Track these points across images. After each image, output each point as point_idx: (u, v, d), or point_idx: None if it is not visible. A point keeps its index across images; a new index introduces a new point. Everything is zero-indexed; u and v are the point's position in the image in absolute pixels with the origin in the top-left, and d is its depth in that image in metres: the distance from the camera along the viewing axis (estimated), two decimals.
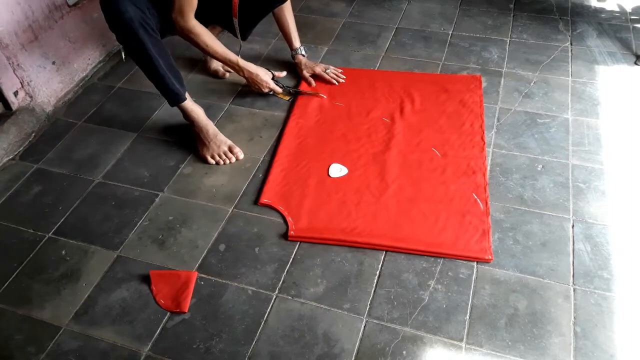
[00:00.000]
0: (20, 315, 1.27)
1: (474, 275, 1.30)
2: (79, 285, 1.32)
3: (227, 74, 1.99)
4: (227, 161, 1.63)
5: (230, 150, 1.64)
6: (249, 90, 1.91)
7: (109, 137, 1.76)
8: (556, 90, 1.86)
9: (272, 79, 1.80)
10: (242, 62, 1.71)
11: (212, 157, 1.63)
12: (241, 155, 1.64)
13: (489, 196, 1.47)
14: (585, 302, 1.23)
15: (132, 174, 1.61)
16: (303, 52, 1.94)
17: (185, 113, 1.64)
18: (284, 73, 1.87)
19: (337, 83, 1.91)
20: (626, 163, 1.58)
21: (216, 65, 1.98)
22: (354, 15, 2.33)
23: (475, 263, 1.32)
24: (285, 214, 1.45)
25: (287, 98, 1.85)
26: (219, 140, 1.64)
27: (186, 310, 1.25)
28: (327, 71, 1.93)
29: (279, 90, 1.82)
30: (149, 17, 1.46)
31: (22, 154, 1.72)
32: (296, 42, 1.93)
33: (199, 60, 2.08)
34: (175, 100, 1.61)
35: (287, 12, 1.86)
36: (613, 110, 1.76)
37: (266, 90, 1.79)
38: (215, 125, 1.69)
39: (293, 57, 1.95)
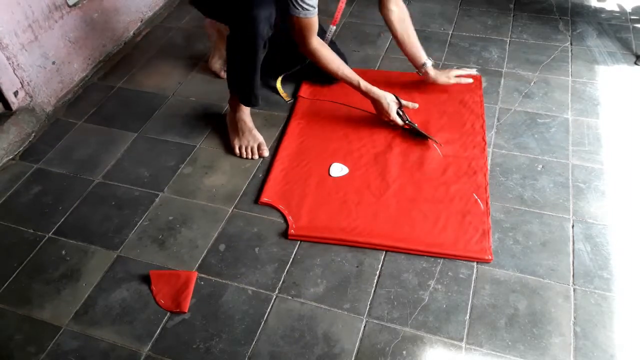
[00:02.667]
0: (20, 315, 1.27)
1: (474, 275, 1.30)
2: (79, 285, 1.32)
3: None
4: (251, 156, 1.64)
5: (259, 147, 1.65)
6: None
7: (109, 137, 1.76)
8: (556, 90, 1.86)
9: (399, 108, 1.62)
10: (364, 85, 1.60)
11: (240, 149, 1.65)
12: (266, 153, 1.65)
13: (489, 196, 1.47)
14: (585, 302, 1.23)
15: (132, 174, 1.61)
16: (430, 65, 1.76)
17: (238, 105, 1.67)
18: (416, 105, 1.65)
19: (471, 81, 1.80)
20: (626, 163, 1.58)
21: (218, 65, 1.97)
22: (354, 15, 2.33)
23: (475, 263, 1.32)
24: (285, 213, 1.45)
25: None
26: (252, 135, 1.66)
27: (186, 310, 1.25)
28: (457, 74, 1.79)
29: (400, 123, 1.63)
30: (273, 19, 1.49)
31: (22, 154, 1.72)
32: (422, 59, 1.75)
33: (200, 59, 2.08)
34: (254, 103, 1.66)
35: (403, 24, 1.71)
36: (613, 110, 1.76)
37: (386, 119, 1.64)
38: (215, 125, 1.69)
39: (423, 73, 1.77)
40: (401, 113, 1.63)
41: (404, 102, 1.64)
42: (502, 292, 1.26)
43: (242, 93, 1.64)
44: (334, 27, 1.65)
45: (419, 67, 1.76)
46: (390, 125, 1.67)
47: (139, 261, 1.37)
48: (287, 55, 1.82)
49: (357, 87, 1.61)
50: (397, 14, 1.70)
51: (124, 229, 1.45)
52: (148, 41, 2.23)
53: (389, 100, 1.61)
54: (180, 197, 1.54)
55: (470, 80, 1.80)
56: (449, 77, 1.78)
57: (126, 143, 1.73)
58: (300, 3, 1.43)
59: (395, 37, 1.75)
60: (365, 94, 1.62)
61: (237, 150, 1.65)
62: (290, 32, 1.52)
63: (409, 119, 1.63)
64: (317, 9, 1.47)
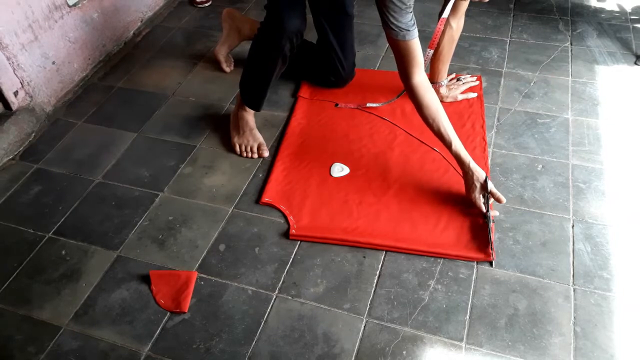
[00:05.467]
0: (20, 316, 1.27)
1: (474, 275, 1.30)
2: (79, 285, 1.32)
3: (230, 69, 2.00)
4: (251, 156, 1.65)
5: (259, 147, 1.65)
6: None
7: (109, 137, 1.76)
8: (556, 90, 1.86)
9: (486, 192, 1.39)
10: (456, 149, 1.38)
11: (240, 147, 1.66)
12: (266, 154, 1.64)
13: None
14: (586, 302, 1.23)
15: (132, 174, 1.61)
16: (443, 84, 1.75)
17: (243, 104, 1.68)
18: (504, 199, 1.40)
19: (475, 95, 1.80)
20: (626, 163, 1.57)
21: (223, 53, 1.98)
22: (354, 15, 2.33)
23: (475, 263, 1.32)
24: (286, 213, 1.45)
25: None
26: (253, 134, 1.67)
27: (186, 310, 1.24)
28: (460, 90, 1.80)
29: (482, 209, 1.39)
30: (301, 36, 1.50)
31: (22, 154, 1.72)
32: (442, 76, 1.74)
33: (200, 59, 2.08)
34: (259, 109, 1.69)
35: (450, 42, 1.64)
36: (613, 110, 1.76)
37: (472, 197, 1.41)
38: (215, 125, 1.69)
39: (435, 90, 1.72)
40: (485, 197, 1.40)
41: (493, 188, 1.39)
42: (502, 292, 1.26)
43: (250, 96, 1.66)
44: (431, 51, 1.53)
45: (434, 82, 1.73)
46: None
47: (139, 261, 1.37)
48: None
49: (449, 148, 1.40)
50: (453, 31, 1.61)
51: (124, 229, 1.45)
52: (148, 41, 2.23)
53: (474, 179, 1.39)
54: (180, 197, 1.54)
55: (475, 95, 1.81)
56: (455, 96, 1.79)
57: (126, 143, 1.73)
58: (394, 22, 1.26)
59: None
60: (456, 158, 1.40)
61: (237, 149, 1.66)
62: (402, 77, 1.38)
63: (490, 210, 1.39)
64: (416, 29, 1.30)
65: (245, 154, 1.65)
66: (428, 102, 1.37)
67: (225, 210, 1.49)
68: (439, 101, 1.39)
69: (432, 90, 1.39)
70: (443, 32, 1.60)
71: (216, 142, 1.71)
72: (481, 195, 1.40)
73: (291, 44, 1.52)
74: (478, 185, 1.39)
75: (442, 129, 1.38)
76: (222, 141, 1.71)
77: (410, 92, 1.38)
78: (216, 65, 2.02)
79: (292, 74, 1.88)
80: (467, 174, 1.40)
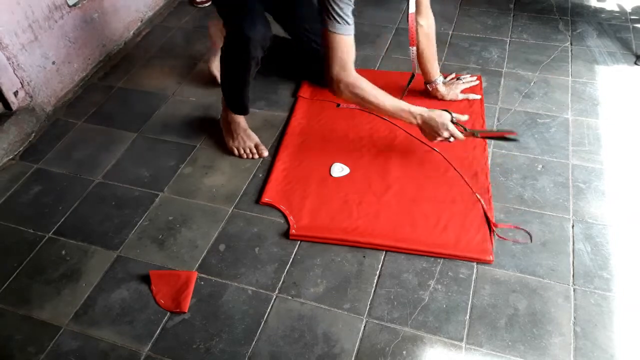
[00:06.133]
0: (20, 316, 1.27)
1: (474, 275, 1.30)
2: (79, 285, 1.32)
3: None
4: (251, 156, 1.64)
5: (256, 147, 1.65)
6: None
7: (109, 137, 1.76)
8: (556, 90, 1.86)
9: (451, 121, 1.45)
10: (414, 109, 1.43)
11: (238, 150, 1.65)
12: (265, 153, 1.64)
13: (491, 196, 1.47)
14: (585, 302, 1.23)
15: (132, 174, 1.61)
16: (439, 82, 1.74)
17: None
18: (466, 117, 1.50)
19: (478, 97, 1.78)
20: (626, 163, 1.57)
21: (216, 67, 1.96)
22: (354, 15, 2.33)
23: (475, 263, 1.32)
24: (286, 213, 1.45)
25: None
26: (247, 134, 1.66)
27: (186, 310, 1.24)
28: (461, 89, 1.79)
29: (461, 136, 1.45)
30: (268, 41, 1.45)
31: (22, 154, 1.72)
32: (432, 75, 1.73)
33: (200, 59, 2.08)
34: (243, 113, 1.65)
35: (426, 39, 1.63)
36: (613, 110, 1.76)
37: (446, 134, 1.44)
38: (215, 125, 1.69)
39: (432, 90, 1.76)
40: (456, 123, 1.46)
41: (455, 114, 1.46)
42: (502, 292, 1.26)
43: (232, 102, 1.64)
44: (414, 48, 1.54)
45: (429, 82, 1.75)
46: (449, 141, 1.47)
47: (139, 261, 1.37)
48: None
49: (410, 112, 1.42)
50: (425, 29, 1.62)
51: (124, 229, 1.45)
52: (148, 41, 2.23)
53: (439, 114, 1.43)
54: (180, 197, 1.54)
55: (478, 97, 1.80)
56: (456, 94, 1.78)
57: (126, 143, 1.73)
58: (339, 12, 1.25)
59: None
60: (417, 116, 1.43)
61: (236, 152, 1.65)
62: (326, 75, 1.35)
63: (465, 127, 1.47)
64: (353, 27, 1.30)
65: (245, 156, 1.64)
66: (373, 89, 1.38)
67: (225, 210, 1.49)
68: (374, 86, 1.39)
69: (366, 80, 1.39)
70: (416, 32, 1.60)
71: (216, 142, 1.71)
72: (451, 128, 1.43)
73: (262, 49, 1.46)
74: (444, 118, 1.42)
75: (394, 102, 1.41)
76: (222, 141, 1.71)
77: (354, 85, 1.36)
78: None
79: (290, 74, 1.88)
80: (430, 117, 1.43)
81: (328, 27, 1.28)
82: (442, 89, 1.76)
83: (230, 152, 1.66)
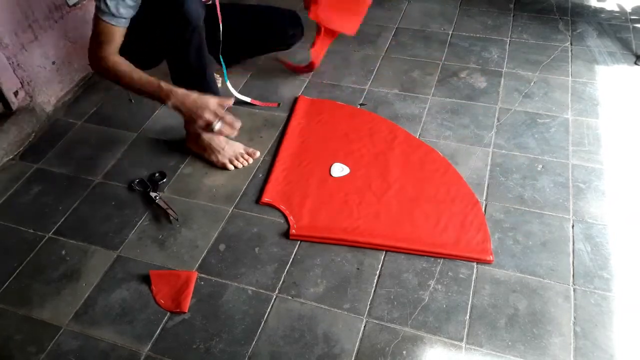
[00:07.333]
0: (20, 316, 1.27)
1: (474, 275, 1.30)
2: (79, 285, 1.32)
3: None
4: (246, 163, 1.61)
5: (246, 151, 1.63)
6: (249, 91, 1.91)
7: (109, 137, 1.76)
8: (556, 90, 1.86)
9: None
10: (168, 85, 1.33)
11: (231, 162, 1.60)
12: (257, 153, 1.63)
13: (489, 196, 1.47)
14: (585, 302, 1.23)
15: (132, 174, 1.61)
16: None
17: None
18: (231, 101, 1.39)
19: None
20: (626, 163, 1.58)
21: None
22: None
23: (475, 263, 1.32)
24: (286, 213, 1.45)
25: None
26: (231, 145, 1.61)
27: (186, 310, 1.24)
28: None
29: (225, 129, 1.33)
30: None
31: (22, 154, 1.72)
32: None
33: None
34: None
35: None
36: (613, 110, 1.76)
37: (208, 115, 1.31)
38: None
39: None
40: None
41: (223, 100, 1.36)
42: (502, 292, 1.26)
43: (201, 91, 1.41)
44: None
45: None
46: (213, 129, 1.34)
47: (139, 261, 1.37)
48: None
49: (160, 87, 1.32)
50: None
51: (124, 229, 1.45)
52: None
53: (199, 95, 1.33)
54: (180, 197, 1.54)
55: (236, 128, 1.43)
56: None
57: (126, 143, 1.73)
58: (107, 2, 1.27)
59: None
60: (169, 94, 1.32)
61: (230, 166, 1.60)
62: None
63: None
64: (127, 22, 1.32)
65: (240, 166, 1.60)
66: (130, 69, 1.34)
67: (225, 210, 1.49)
68: (131, 66, 1.35)
69: (125, 62, 1.35)
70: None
71: None
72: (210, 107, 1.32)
73: (200, 31, 1.40)
74: (208, 99, 1.33)
75: (143, 76, 1.34)
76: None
77: (109, 69, 1.34)
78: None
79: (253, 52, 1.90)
80: (186, 95, 1.32)
81: (97, 12, 1.30)
82: None
83: (223, 167, 1.60)
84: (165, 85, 1.33)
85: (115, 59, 1.35)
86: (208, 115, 1.32)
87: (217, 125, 1.33)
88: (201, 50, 1.48)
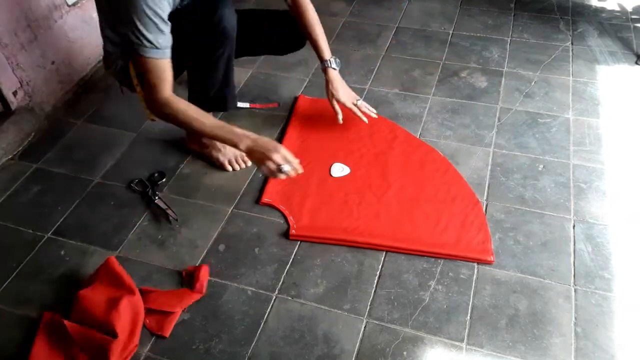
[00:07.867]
0: (19, 316, 1.26)
1: (474, 276, 1.29)
2: (79, 286, 1.31)
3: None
4: (244, 165, 1.60)
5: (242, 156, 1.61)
6: (248, 90, 1.90)
7: (109, 137, 1.76)
8: (557, 89, 1.86)
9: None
10: (240, 130, 1.34)
11: (230, 163, 1.60)
12: None
13: (490, 196, 1.47)
14: (586, 303, 1.23)
15: (132, 174, 1.61)
16: (334, 65, 1.60)
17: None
18: (297, 161, 1.38)
19: (366, 121, 1.62)
20: (627, 163, 1.57)
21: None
22: (354, 14, 2.33)
23: (475, 263, 1.32)
24: (286, 213, 1.45)
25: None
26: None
27: (167, 335, 1.19)
28: (358, 103, 1.64)
29: (296, 163, 1.36)
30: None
31: (22, 153, 1.71)
32: (326, 53, 1.60)
33: None
34: (235, 105, 1.59)
35: (313, 18, 1.57)
36: (614, 110, 1.76)
37: (278, 159, 1.32)
38: None
39: (323, 70, 1.61)
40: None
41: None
42: (502, 293, 1.25)
43: (226, 98, 1.52)
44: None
45: (323, 60, 1.61)
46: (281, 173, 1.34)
47: (138, 261, 1.36)
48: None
49: (232, 133, 1.33)
50: (310, 12, 1.56)
51: (123, 229, 1.45)
52: None
53: (269, 140, 1.35)
54: (180, 197, 1.53)
55: (365, 120, 1.62)
56: (352, 97, 1.63)
57: (126, 143, 1.73)
58: (144, 34, 1.20)
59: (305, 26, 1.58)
60: (242, 139, 1.33)
61: (229, 167, 1.60)
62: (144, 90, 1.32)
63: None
64: (169, 51, 1.26)
65: (238, 167, 1.60)
66: (183, 113, 1.32)
67: (225, 210, 1.49)
68: (191, 106, 1.33)
69: (182, 101, 1.34)
70: (308, 15, 1.55)
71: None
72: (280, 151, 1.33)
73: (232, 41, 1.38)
74: (278, 146, 1.34)
75: (214, 121, 1.34)
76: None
77: (163, 106, 1.32)
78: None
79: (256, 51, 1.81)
80: (261, 139, 1.33)
81: (138, 51, 1.24)
82: (332, 76, 1.60)
83: (220, 168, 1.60)
84: (236, 128, 1.34)
85: (178, 105, 1.31)
86: (278, 159, 1.32)
87: (286, 168, 1.33)
88: (230, 60, 1.45)
